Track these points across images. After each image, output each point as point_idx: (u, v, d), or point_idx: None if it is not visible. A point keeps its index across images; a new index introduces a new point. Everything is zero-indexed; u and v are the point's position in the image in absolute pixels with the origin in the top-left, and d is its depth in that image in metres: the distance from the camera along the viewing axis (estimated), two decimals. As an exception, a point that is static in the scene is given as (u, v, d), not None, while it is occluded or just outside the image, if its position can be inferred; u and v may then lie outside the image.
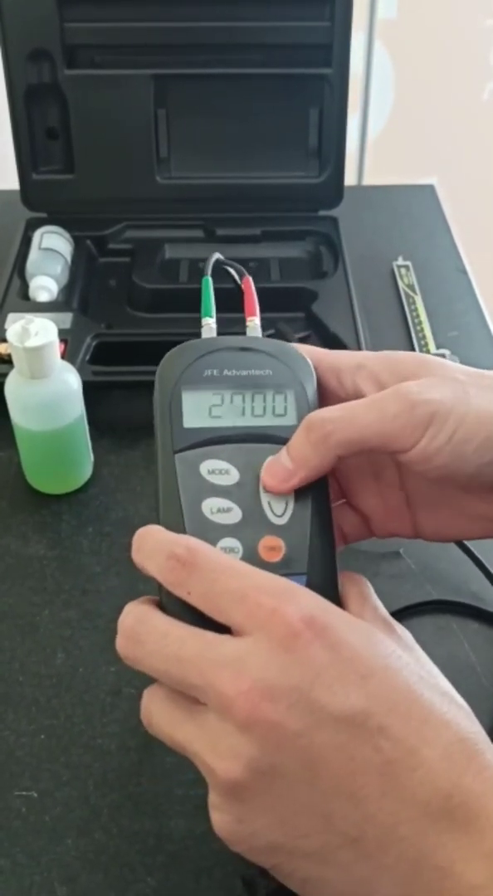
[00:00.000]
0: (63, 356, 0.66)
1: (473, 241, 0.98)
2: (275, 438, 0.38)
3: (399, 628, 0.36)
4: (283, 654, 0.31)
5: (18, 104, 0.81)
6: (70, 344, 0.70)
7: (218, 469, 0.37)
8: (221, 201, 0.86)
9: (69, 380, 0.60)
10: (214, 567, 0.33)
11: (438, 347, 0.77)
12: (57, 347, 0.58)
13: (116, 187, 0.85)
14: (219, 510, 0.36)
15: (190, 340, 0.40)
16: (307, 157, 0.85)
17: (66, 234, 0.82)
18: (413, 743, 0.31)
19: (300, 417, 0.38)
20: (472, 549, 0.59)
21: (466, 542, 0.59)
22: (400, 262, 0.88)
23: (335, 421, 0.37)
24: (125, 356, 0.71)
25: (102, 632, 0.55)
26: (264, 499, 0.37)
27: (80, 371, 0.64)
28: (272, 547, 0.36)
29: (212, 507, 0.36)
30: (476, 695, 0.52)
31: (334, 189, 0.86)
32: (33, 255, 0.79)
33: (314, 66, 0.81)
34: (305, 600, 0.33)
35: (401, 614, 0.56)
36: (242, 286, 0.44)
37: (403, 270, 0.87)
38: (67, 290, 0.78)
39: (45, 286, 0.76)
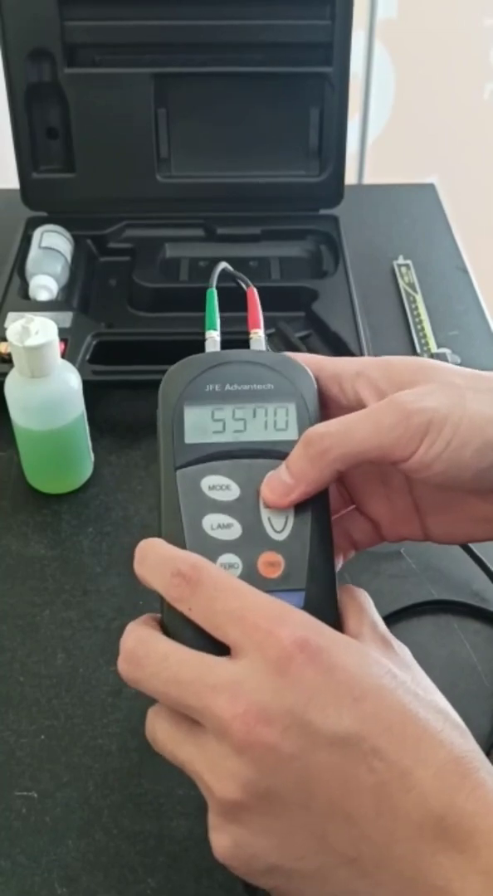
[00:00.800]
0: (63, 355, 0.65)
1: (473, 239, 0.98)
2: (276, 453, 0.38)
3: (397, 644, 0.36)
4: (277, 678, 0.32)
5: (19, 103, 0.81)
6: (70, 343, 0.70)
7: (219, 485, 0.37)
8: (221, 200, 0.86)
9: (69, 379, 0.60)
10: (217, 586, 0.34)
11: (438, 346, 0.77)
12: (57, 347, 0.58)
13: (117, 186, 0.85)
14: (219, 526, 0.36)
15: (193, 355, 0.40)
16: (308, 156, 0.85)
17: (67, 233, 0.82)
18: (407, 764, 0.31)
19: (301, 432, 0.38)
20: (473, 548, 0.59)
21: (469, 545, 0.59)
22: (401, 260, 0.88)
23: (333, 435, 0.37)
24: (126, 355, 0.71)
25: (102, 632, 0.55)
26: (264, 514, 0.37)
27: (81, 370, 0.64)
28: (272, 563, 0.36)
29: (212, 523, 0.36)
30: (477, 695, 0.52)
31: (334, 188, 0.86)
32: (33, 253, 0.79)
33: (315, 65, 0.81)
34: (298, 622, 0.33)
35: (402, 614, 0.56)
36: (247, 297, 0.44)
37: (403, 269, 0.87)
38: (67, 290, 0.78)
39: (45, 285, 0.76)
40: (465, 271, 0.88)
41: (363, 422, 0.37)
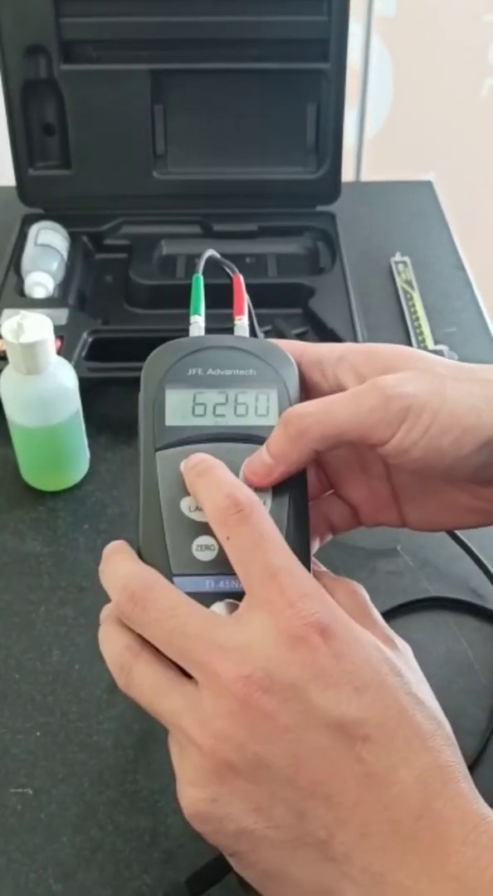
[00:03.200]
0: (59, 352, 0.65)
1: (471, 237, 0.98)
2: (256, 438, 0.38)
3: (400, 643, 0.37)
4: (287, 651, 0.32)
5: (15, 100, 0.81)
6: (66, 340, 0.70)
7: None
8: (218, 197, 0.86)
9: (65, 376, 0.60)
10: (264, 533, 0.34)
11: (435, 343, 0.77)
12: (52, 343, 0.57)
13: (113, 183, 0.85)
14: (197, 508, 0.36)
15: (177, 339, 0.40)
16: (305, 153, 0.85)
17: (63, 230, 0.82)
18: (394, 761, 0.31)
19: (282, 412, 0.38)
20: (470, 545, 0.59)
21: (464, 539, 0.59)
22: (398, 258, 0.88)
23: (312, 415, 0.37)
24: (122, 352, 0.71)
25: (97, 629, 0.54)
26: None
27: (77, 367, 0.64)
28: None
29: (190, 504, 0.37)
30: (474, 691, 0.52)
31: (331, 184, 0.86)
32: (29, 250, 0.79)
33: (312, 62, 0.81)
34: (323, 606, 0.33)
35: (398, 611, 0.56)
36: (233, 284, 0.44)
37: (401, 266, 0.86)
38: (64, 287, 0.78)
39: (41, 282, 0.76)
40: (462, 269, 0.87)
41: (343, 403, 0.37)
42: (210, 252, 0.45)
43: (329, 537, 0.45)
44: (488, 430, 0.36)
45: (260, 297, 0.78)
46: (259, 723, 0.31)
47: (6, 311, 0.72)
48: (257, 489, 0.37)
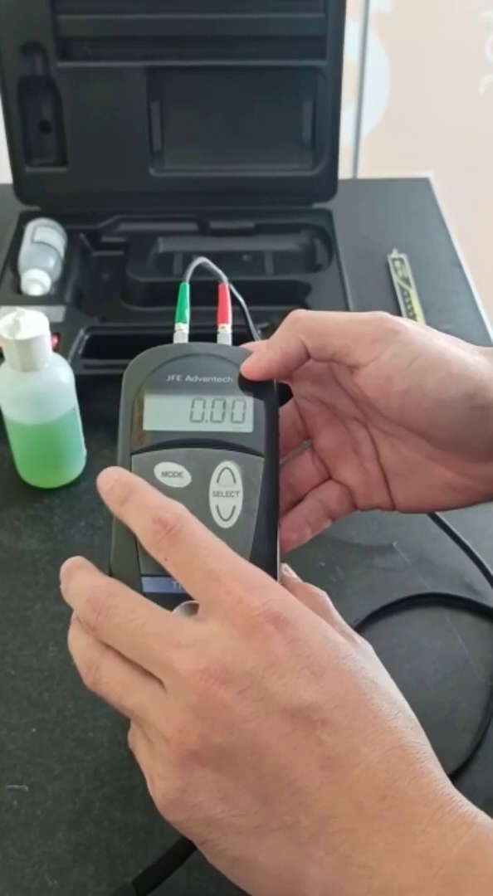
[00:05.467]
0: (55, 350, 0.65)
1: (468, 234, 0.98)
2: (230, 445, 0.39)
3: (359, 639, 0.37)
4: (242, 642, 0.33)
5: (11, 97, 0.81)
6: (63, 337, 0.70)
7: (171, 471, 0.38)
8: (215, 194, 0.86)
9: (61, 373, 0.60)
10: (198, 542, 0.35)
11: (432, 340, 0.77)
12: (48, 340, 0.57)
13: (110, 180, 0.85)
14: None
15: (159, 346, 0.41)
16: (301, 150, 0.85)
17: (60, 228, 0.82)
18: (355, 742, 0.32)
19: (257, 424, 0.39)
20: (465, 541, 0.59)
21: (461, 537, 0.59)
22: (395, 255, 0.88)
23: (311, 313, 0.40)
24: (119, 350, 0.71)
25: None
26: (213, 503, 0.38)
27: (73, 365, 0.64)
28: None
29: None
30: (470, 687, 0.52)
31: (328, 182, 0.86)
32: (26, 248, 0.79)
33: (308, 59, 0.81)
34: (273, 595, 0.34)
35: (394, 607, 0.56)
36: (219, 292, 0.45)
37: (397, 263, 0.86)
38: (60, 284, 0.78)
39: (37, 279, 0.76)
40: (459, 266, 0.88)
41: (341, 314, 0.40)
42: (201, 260, 0.46)
43: (328, 524, 0.45)
44: (474, 382, 0.38)
45: (257, 294, 0.78)
46: (219, 714, 0.32)
47: (3, 309, 0.72)
48: (229, 493, 0.38)
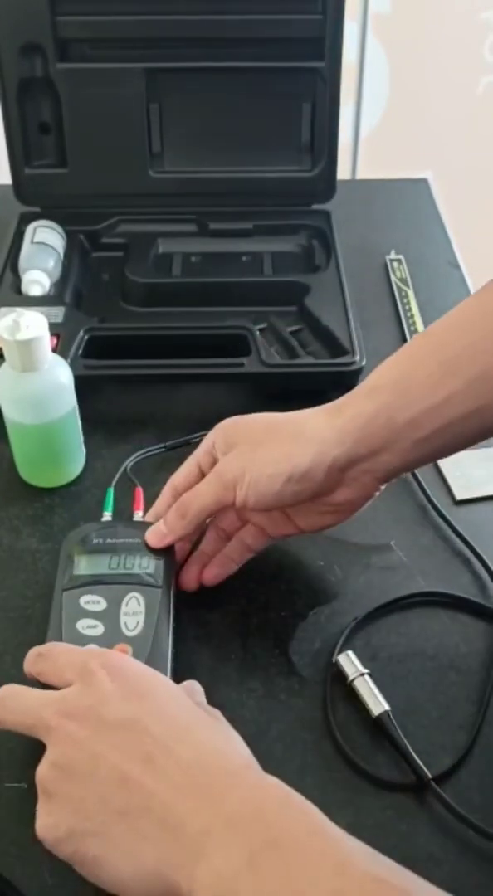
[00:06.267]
0: (55, 350, 0.66)
1: (466, 234, 0.98)
2: (139, 582, 0.53)
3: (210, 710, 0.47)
4: (83, 687, 0.44)
5: (10, 98, 0.81)
6: (62, 338, 0.70)
7: (92, 601, 0.52)
8: (214, 195, 0.86)
9: (60, 373, 0.60)
10: (60, 650, 0.48)
11: (430, 341, 0.77)
12: (47, 341, 0.58)
13: (109, 181, 0.85)
14: (88, 626, 0.51)
15: (90, 523, 0.58)
16: (300, 151, 0.85)
17: (59, 229, 0.82)
18: (171, 743, 0.41)
19: (157, 566, 0.54)
20: (467, 538, 0.59)
21: (462, 533, 0.59)
22: (393, 255, 0.88)
23: (190, 502, 0.54)
24: (118, 350, 0.72)
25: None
26: (122, 619, 0.51)
27: (73, 365, 0.64)
28: (122, 650, 0.50)
29: (84, 624, 0.51)
30: (465, 686, 0.52)
31: (326, 183, 0.86)
32: (26, 249, 0.79)
33: (307, 60, 0.81)
34: (110, 657, 0.45)
35: (391, 606, 0.56)
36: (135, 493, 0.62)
37: (395, 264, 0.87)
38: (60, 285, 0.78)
39: (37, 280, 0.76)
40: (457, 266, 0.88)
41: (204, 486, 0.54)
42: (127, 466, 0.65)
43: (250, 555, 0.58)
44: (284, 475, 0.51)
45: (255, 295, 0.79)
46: (65, 739, 0.42)
47: (3, 310, 0.73)
48: (135, 612, 0.52)
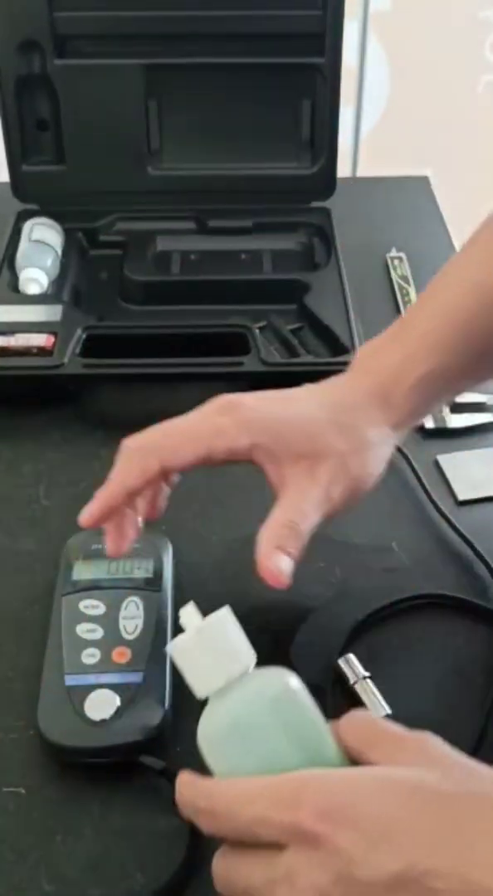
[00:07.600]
0: (53, 349, 0.65)
1: (467, 232, 0.98)
2: (135, 586, 0.54)
3: (414, 737, 0.37)
4: (315, 854, 0.33)
5: (8, 95, 0.80)
6: (60, 337, 0.70)
7: (92, 605, 0.53)
8: (213, 193, 0.86)
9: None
10: (226, 804, 0.36)
11: (431, 340, 0.76)
12: None
13: (108, 179, 0.85)
14: (88, 630, 0.51)
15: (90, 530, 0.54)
16: (300, 148, 0.85)
17: (57, 226, 0.82)
18: (462, 871, 0.32)
19: (154, 573, 0.54)
20: (470, 539, 0.59)
21: (465, 535, 0.59)
22: (394, 253, 0.87)
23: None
24: (117, 349, 0.71)
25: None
26: (122, 623, 0.51)
27: (71, 364, 0.64)
28: (122, 653, 0.50)
29: (84, 628, 0.51)
30: (468, 688, 0.51)
31: (326, 180, 0.86)
32: (23, 247, 0.79)
33: (306, 56, 0.81)
34: (309, 797, 0.34)
35: (393, 608, 0.56)
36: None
37: (396, 262, 0.86)
38: (58, 283, 0.78)
39: (35, 278, 0.76)
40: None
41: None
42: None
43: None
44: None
45: (255, 293, 0.78)
46: None
47: (1, 308, 0.72)
48: (133, 616, 0.52)
